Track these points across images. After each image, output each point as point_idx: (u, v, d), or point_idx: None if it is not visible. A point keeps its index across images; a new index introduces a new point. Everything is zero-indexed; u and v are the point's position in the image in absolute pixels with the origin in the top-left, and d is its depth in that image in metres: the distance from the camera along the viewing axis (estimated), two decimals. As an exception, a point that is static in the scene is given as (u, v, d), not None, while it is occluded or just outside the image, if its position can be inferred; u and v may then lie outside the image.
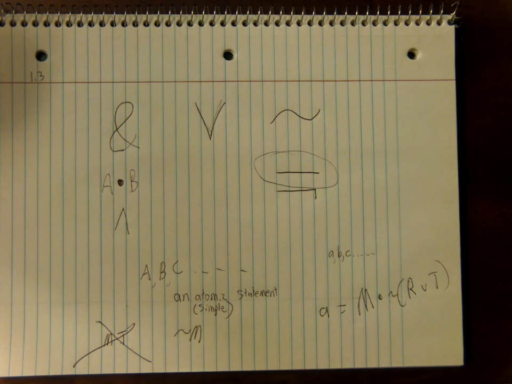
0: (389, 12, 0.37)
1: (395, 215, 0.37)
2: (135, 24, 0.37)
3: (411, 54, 0.38)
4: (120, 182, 0.37)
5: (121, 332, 0.36)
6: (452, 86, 0.38)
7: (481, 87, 0.39)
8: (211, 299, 0.36)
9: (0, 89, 0.36)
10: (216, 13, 0.37)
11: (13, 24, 0.37)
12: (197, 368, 0.36)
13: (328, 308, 0.37)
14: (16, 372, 0.36)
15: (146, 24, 0.37)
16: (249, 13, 0.37)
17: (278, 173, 0.37)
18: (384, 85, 0.37)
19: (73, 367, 0.36)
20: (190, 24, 0.37)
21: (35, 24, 0.37)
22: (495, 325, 0.38)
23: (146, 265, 0.36)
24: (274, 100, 0.37)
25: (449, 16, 0.38)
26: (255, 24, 0.37)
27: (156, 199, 0.36)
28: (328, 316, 0.37)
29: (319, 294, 0.37)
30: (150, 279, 0.36)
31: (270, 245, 0.37)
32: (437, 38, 0.38)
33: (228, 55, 0.37)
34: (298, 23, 0.37)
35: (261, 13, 0.37)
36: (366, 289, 0.37)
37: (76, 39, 0.37)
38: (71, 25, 0.37)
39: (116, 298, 0.36)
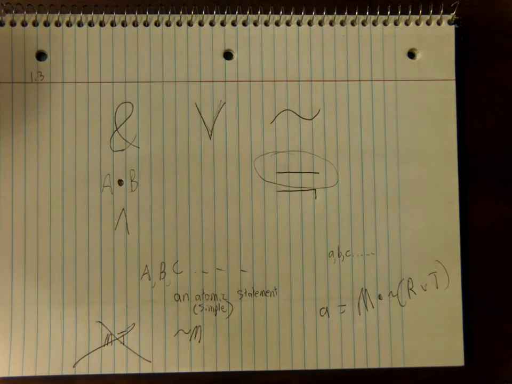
0: (389, 12, 0.37)
1: (395, 215, 0.37)
2: (135, 24, 0.37)
3: (411, 54, 0.38)
4: (120, 182, 0.37)
5: (121, 332, 0.36)
6: (452, 86, 0.38)
7: (481, 87, 0.39)
8: (211, 299, 0.36)
9: (0, 89, 0.36)
10: (216, 13, 0.37)
11: (13, 24, 0.37)
12: (197, 368, 0.36)
13: (328, 308, 0.37)
14: (16, 372, 0.36)
15: (146, 24, 0.37)
16: (249, 13, 0.37)
17: (278, 173, 0.37)
18: (384, 85, 0.37)
19: (73, 367, 0.36)
20: (190, 24, 0.37)
21: (35, 24, 0.37)
22: (495, 325, 0.38)
23: (146, 265, 0.36)
24: (274, 100, 0.37)
25: (449, 16, 0.38)
26: (255, 24, 0.37)
27: (156, 199, 0.36)
28: (328, 316, 0.37)
29: (319, 294, 0.37)
30: (150, 279, 0.36)
31: (270, 245, 0.37)
32: (437, 38, 0.38)
33: (227, 55, 0.37)
34: (298, 23, 0.37)
35: (261, 13, 0.37)
36: (366, 289, 0.37)
37: (76, 39, 0.37)
38: (71, 25, 0.37)
39: (116, 298, 0.36)
